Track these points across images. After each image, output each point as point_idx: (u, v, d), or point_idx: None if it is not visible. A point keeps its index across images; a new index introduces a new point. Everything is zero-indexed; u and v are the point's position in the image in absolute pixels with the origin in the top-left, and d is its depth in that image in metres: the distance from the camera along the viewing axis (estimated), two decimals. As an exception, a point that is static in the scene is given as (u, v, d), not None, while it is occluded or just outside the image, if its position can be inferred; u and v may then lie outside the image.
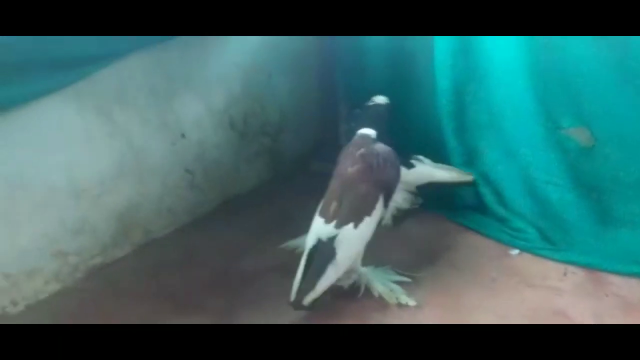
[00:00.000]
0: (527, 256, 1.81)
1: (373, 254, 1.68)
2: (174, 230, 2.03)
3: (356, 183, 1.63)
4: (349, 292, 1.64)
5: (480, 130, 2.12)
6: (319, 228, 1.58)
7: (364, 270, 1.65)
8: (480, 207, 2.03)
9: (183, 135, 1.98)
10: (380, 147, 1.72)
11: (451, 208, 2.11)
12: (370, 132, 1.79)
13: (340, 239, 1.53)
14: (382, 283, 1.64)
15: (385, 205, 1.68)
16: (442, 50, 2.08)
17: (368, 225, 1.58)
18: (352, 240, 1.55)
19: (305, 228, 1.64)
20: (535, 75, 1.93)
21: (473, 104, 2.11)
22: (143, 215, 1.92)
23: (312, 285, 1.49)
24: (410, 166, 2.00)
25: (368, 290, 1.63)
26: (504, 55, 1.97)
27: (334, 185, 1.68)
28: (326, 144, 2.67)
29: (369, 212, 1.59)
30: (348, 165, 1.67)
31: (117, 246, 1.85)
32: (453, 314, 1.54)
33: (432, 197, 2.16)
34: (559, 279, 1.68)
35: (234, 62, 2.13)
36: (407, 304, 1.58)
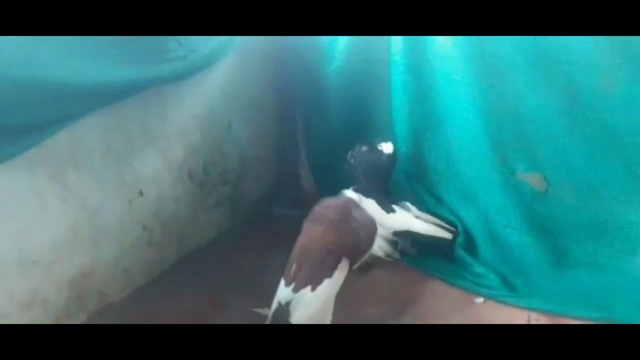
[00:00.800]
0: (491, 303, 1.83)
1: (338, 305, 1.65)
2: (130, 293, 1.92)
3: (318, 245, 1.61)
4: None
5: (438, 176, 2.17)
6: (280, 291, 1.56)
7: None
8: (445, 254, 2.05)
9: (141, 193, 1.91)
10: (360, 214, 1.69)
11: (416, 255, 2.12)
12: (353, 195, 1.75)
13: (295, 304, 1.51)
14: None
15: (352, 266, 1.65)
16: (399, 98, 2.12)
17: (329, 286, 1.56)
18: (308, 303, 1.52)
19: (269, 287, 1.60)
20: (490, 123, 2.00)
21: (431, 150, 2.16)
22: (98, 279, 1.81)
23: None
24: (390, 211, 1.99)
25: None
26: (459, 104, 2.03)
27: (298, 244, 1.65)
28: (287, 187, 2.66)
29: (329, 275, 1.56)
30: (315, 224, 1.65)
31: (71, 316, 1.73)
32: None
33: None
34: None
35: (192, 114, 2.08)
36: None
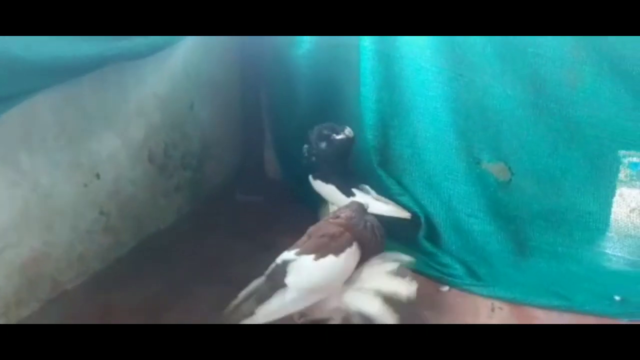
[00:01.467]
0: (456, 292, 1.85)
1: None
2: (85, 280, 1.83)
3: (334, 223, 1.53)
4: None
5: (404, 164, 2.16)
6: (282, 255, 1.47)
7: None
8: (409, 242, 2.05)
9: (97, 176, 1.81)
10: (373, 220, 1.59)
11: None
12: (363, 201, 1.69)
13: (293, 265, 1.41)
14: None
15: (361, 260, 1.53)
16: (367, 85, 2.10)
17: (332, 264, 1.43)
18: (307, 270, 1.40)
19: (230, 276, 1.53)
20: (457, 113, 2.01)
21: (398, 138, 2.15)
22: (51, 266, 1.71)
23: (250, 311, 1.36)
24: (350, 194, 1.98)
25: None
26: (427, 93, 2.03)
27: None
28: (250, 173, 2.60)
29: (336, 252, 1.44)
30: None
31: (22, 304, 1.63)
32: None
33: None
34: (488, 315, 1.73)
35: (153, 93, 1.99)
36: None
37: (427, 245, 2.02)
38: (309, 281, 1.42)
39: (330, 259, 1.43)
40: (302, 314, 1.48)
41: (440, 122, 2.03)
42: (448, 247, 2.04)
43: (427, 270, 1.93)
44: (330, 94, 2.28)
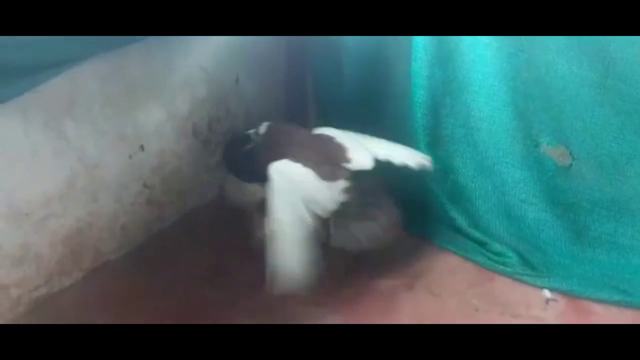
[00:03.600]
0: (507, 281, 1.76)
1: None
2: (128, 252, 1.83)
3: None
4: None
5: (455, 146, 2.05)
6: None
7: None
8: (458, 228, 1.96)
9: (142, 148, 1.79)
10: None
11: (427, 227, 2.04)
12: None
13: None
14: None
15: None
16: (419, 60, 1.99)
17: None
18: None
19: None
20: (516, 91, 1.88)
21: (449, 117, 2.04)
22: (94, 236, 1.72)
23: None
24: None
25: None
26: (484, 69, 1.91)
27: None
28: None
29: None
30: None
31: (65, 274, 1.64)
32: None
33: (406, 214, 2.10)
34: (542, 307, 1.64)
35: (199, 65, 1.95)
36: None
37: (476, 234, 1.92)
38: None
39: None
40: None
41: (496, 101, 1.91)
42: (499, 234, 1.93)
43: (478, 258, 1.85)
44: (378, 69, 2.18)
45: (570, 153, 1.89)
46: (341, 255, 1.75)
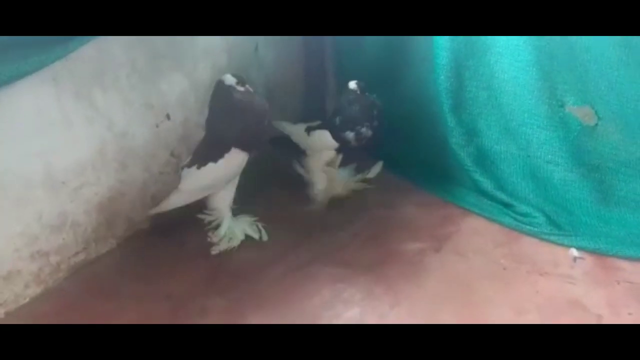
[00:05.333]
0: (533, 240, 1.76)
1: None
2: (159, 221, 1.85)
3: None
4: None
5: (479, 108, 2.04)
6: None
7: (227, 214, 1.76)
8: (483, 191, 1.97)
9: (168, 117, 1.80)
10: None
11: (452, 190, 2.04)
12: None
13: (184, 174, 1.69)
14: (236, 229, 1.76)
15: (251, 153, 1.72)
16: (442, 22, 1.96)
17: (213, 171, 1.66)
18: (193, 177, 1.68)
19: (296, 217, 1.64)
20: (541, 51, 1.85)
21: (473, 80, 2.02)
22: (126, 205, 1.75)
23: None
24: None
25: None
26: (508, 29, 1.87)
27: None
28: (312, 118, 2.54)
29: (214, 159, 1.65)
30: None
31: (101, 241, 1.68)
32: (467, 308, 1.48)
33: (430, 177, 2.11)
34: (570, 265, 1.65)
35: (220, 34, 1.94)
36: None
37: (502, 196, 1.93)
38: (196, 185, 1.69)
39: (209, 167, 1.66)
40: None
41: (521, 62, 1.88)
42: (525, 195, 1.93)
43: (503, 218, 1.85)
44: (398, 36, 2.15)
45: (596, 113, 1.87)
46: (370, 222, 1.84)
